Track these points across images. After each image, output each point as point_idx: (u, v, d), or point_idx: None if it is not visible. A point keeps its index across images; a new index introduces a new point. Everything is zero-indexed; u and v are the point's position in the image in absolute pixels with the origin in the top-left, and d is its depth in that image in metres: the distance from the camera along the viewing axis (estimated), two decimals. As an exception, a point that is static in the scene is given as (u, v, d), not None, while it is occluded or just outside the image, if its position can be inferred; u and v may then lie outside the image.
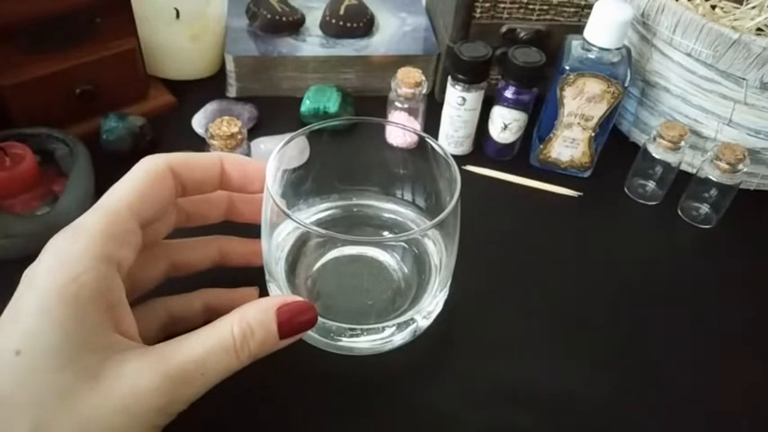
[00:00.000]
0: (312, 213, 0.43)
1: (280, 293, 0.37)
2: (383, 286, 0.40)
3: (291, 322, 0.31)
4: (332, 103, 0.55)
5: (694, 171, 0.51)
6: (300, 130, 0.38)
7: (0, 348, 0.26)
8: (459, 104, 0.51)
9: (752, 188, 0.54)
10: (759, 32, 0.55)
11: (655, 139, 0.50)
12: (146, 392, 0.26)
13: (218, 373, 0.29)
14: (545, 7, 0.54)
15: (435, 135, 0.54)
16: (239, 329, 0.29)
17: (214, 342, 0.29)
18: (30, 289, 0.27)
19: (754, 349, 0.43)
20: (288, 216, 0.32)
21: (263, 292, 0.39)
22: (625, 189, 0.54)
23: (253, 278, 0.39)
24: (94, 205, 0.31)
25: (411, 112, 0.52)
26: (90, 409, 0.25)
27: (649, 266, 0.48)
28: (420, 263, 0.41)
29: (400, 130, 0.43)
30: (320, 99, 0.55)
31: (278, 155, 0.36)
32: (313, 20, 0.62)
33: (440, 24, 0.60)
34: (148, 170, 0.32)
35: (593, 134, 0.51)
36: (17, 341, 0.26)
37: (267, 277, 0.38)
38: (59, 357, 0.25)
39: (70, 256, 0.28)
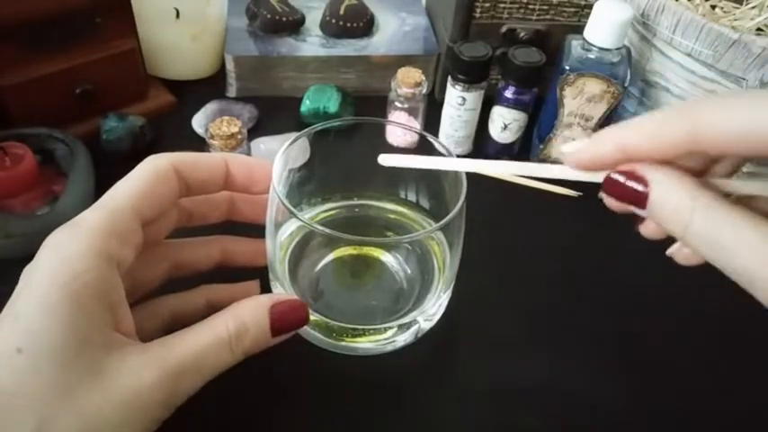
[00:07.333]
0: (315, 214, 0.43)
1: (282, 292, 0.37)
2: (386, 287, 0.40)
3: (283, 320, 0.31)
4: (332, 103, 0.55)
5: (694, 171, 0.51)
6: (304, 131, 0.37)
7: (1, 347, 0.26)
8: (459, 104, 0.51)
9: (751, 188, 0.54)
10: (759, 32, 0.55)
11: (655, 138, 0.50)
12: (146, 387, 0.27)
13: (214, 367, 0.29)
14: (545, 7, 0.55)
15: (435, 135, 0.54)
16: (234, 326, 0.30)
17: (211, 338, 0.29)
18: (30, 287, 0.27)
19: (756, 349, 0.43)
20: (295, 216, 0.32)
21: (265, 288, 0.38)
22: (625, 189, 0.54)
23: (254, 278, 0.39)
24: (96, 203, 0.31)
25: (411, 111, 0.52)
26: (92, 406, 0.25)
27: (649, 266, 0.48)
28: (423, 264, 0.41)
29: (400, 129, 0.42)
30: (320, 99, 0.55)
31: (282, 155, 0.36)
32: (313, 20, 0.62)
33: (440, 24, 0.60)
34: (152, 169, 0.32)
35: (593, 134, 0.51)
36: (18, 339, 0.25)
37: (271, 276, 0.38)
38: (62, 355, 0.25)
39: (71, 253, 0.27)
